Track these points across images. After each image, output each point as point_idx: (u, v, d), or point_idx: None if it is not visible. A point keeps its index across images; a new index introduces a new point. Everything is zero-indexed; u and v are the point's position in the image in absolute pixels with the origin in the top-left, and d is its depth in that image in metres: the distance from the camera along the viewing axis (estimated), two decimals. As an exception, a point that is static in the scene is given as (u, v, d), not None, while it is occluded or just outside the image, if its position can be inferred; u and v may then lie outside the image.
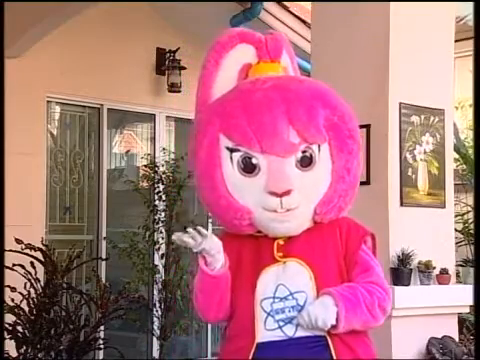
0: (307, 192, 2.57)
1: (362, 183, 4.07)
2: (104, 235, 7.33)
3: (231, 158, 2.58)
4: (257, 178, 2.55)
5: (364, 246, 2.69)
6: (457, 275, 4.38)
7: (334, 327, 2.51)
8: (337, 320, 2.50)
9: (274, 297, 2.57)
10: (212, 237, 2.53)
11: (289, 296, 2.57)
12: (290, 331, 2.54)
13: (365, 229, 2.73)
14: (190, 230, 2.50)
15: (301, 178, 2.56)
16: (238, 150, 2.57)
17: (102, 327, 5.95)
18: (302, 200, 2.56)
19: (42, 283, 5.36)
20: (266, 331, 2.55)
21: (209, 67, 2.75)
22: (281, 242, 2.61)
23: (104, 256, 7.00)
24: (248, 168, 2.56)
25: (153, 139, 7.95)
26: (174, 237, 2.52)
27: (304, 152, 2.57)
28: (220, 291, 2.60)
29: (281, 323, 2.55)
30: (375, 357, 2.69)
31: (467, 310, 4.25)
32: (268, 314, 2.56)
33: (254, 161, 2.55)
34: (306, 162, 2.57)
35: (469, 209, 5.91)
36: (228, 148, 2.58)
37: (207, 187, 2.64)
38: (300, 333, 2.54)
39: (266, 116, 2.55)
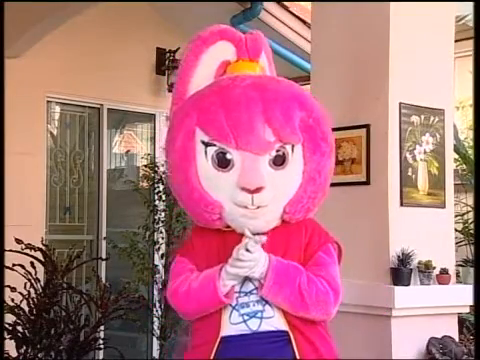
0: (278, 191, 2.61)
1: (362, 183, 4.11)
2: (104, 235, 7.34)
3: (206, 152, 2.61)
4: (230, 174, 2.59)
5: (330, 248, 2.72)
6: (457, 275, 4.38)
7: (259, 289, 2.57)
8: (262, 286, 2.56)
9: (240, 291, 2.61)
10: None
11: (254, 290, 2.62)
12: (254, 325, 2.59)
13: (329, 236, 2.77)
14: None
15: (273, 176, 2.60)
16: (213, 145, 2.60)
17: (102, 327, 5.95)
18: (273, 198, 2.60)
19: (42, 283, 5.36)
20: (231, 325, 2.60)
21: (189, 61, 2.80)
22: None
23: (104, 256, 7.00)
24: (222, 163, 2.60)
25: (153, 139, 7.95)
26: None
27: (278, 151, 2.61)
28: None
29: (246, 317, 2.60)
30: (335, 352, 2.74)
31: (467, 310, 4.25)
32: (233, 308, 2.61)
33: (228, 156, 2.59)
34: (279, 161, 2.61)
35: (469, 209, 5.91)
36: (203, 142, 2.62)
37: (180, 179, 2.68)
38: (264, 327, 2.59)
39: (243, 113, 2.58)
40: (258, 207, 2.58)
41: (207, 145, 2.61)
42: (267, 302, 2.59)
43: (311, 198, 2.67)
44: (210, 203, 2.61)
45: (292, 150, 2.63)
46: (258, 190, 2.55)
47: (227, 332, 2.59)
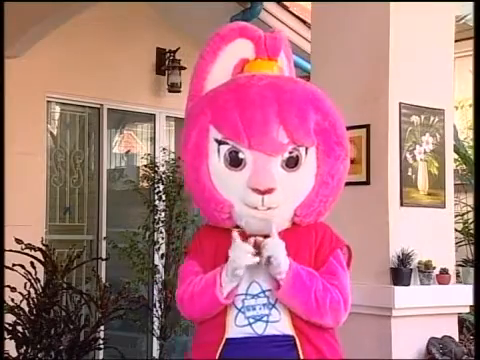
0: (289, 193, 2.59)
1: (362, 183, 4.11)
2: (104, 235, 7.33)
3: (218, 150, 2.60)
4: (242, 173, 2.57)
5: (339, 254, 2.71)
6: (457, 275, 4.38)
7: (275, 290, 2.56)
8: (279, 287, 2.54)
9: (246, 294, 2.60)
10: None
11: (261, 293, 2.60)
12: (260, 329, 2.57)
13: (340, 240, 2.75)
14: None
15: (285, 178, 2.58)
16: (226, 143, 2.59)
17: (102, 327, 5.94)
18: (283, 200, 2.58)
19: (42, 283, 5.36)
20: (236, 327, 2.59)
21: (206, 58, 2.77)
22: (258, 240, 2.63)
23: (104, 256, 6.99)
24: (234, 162, 2.58)
25: (153, 139, 7.95)
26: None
27: (291, 153, 2.59)
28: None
29: (251, 320, 2.58)
30: (341, 358, 2.72)
31: (467, 310, 4.25)
32: (239, 310, 2.59)
33: (241, 156, 2.57)
34: (292, 163, 2.59)
35: (469, 209, 5.91)
36: (217, 140, 2.60)
37: (193, 177, 2.68)
38: (269, 331, 2.57)
39: (258, 113, 2.56)
40: (268, 208, 2.56)
41: (220, 143, 2.59)
42: (274, 306, 2.58)
43: (323, 202, 2.66)
44: (220, 202, 2.60)
45: (306, 153, 2.61)
46: (269, 191, 2.53)
47: (232, 334, 2.58)
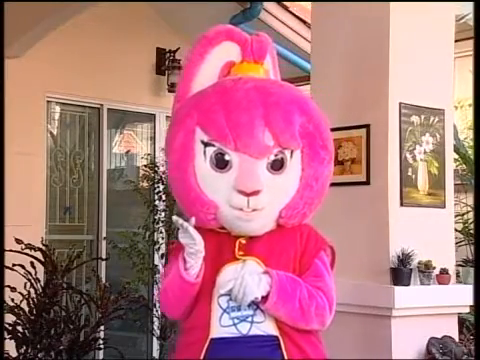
0: (275, 195, 2.61)
1: (362, 183, 4.12)
2: (104, 235, 7.34)
3: (205, 152, 2.62)
4: (228, 175, 2.59)
5: (323, 255, 2.73)
6: (457, 275, 4.38)
7: (261, 303, 2.56)
8: (265, 300, 2.55)
9: (231, 294, 2.59)
10: (194, 233, 2.57)
11: None
12: (244, 329, 2.59)
13: (325, 241, 2.77)
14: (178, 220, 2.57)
15: (270, 180, 2.60)
16: (212, 145, 2.61)
17: (102, 327, 5.95)
18: (269, 202, 2.59)
19: (42, 283, 5.36)
20: (221, 327, 2.60)
21: (193, 60, 2.80)
22: (243, 241, 2.65)
23: (104, 256, 7.00)
24: (220, 164, 2.60)
25: (153, 139, 7.96)
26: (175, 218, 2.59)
27: (276, 156, 2.61)
28: (193, 295, 2.63)
29: (236, 320, 2.59)
30: (325, 358, 2.73)
31: (467, 310, 4.25)
32: (224, 311, 2.61)
33: (227, 158, 2.59)
34: (277, 166, 2.62)
35: (469, 209, 5.91)
36: (203, 142, 2.62)
37: (178, 178, 2.69)
38: (254, 332, 2.59)
39: (244, 115, 2.58)
40: (254, 210, 2.58)
41: (206, 145, 2.61)
42: (258, 306, 2.59)
43: (307, 204, 2.68)
44: (206, 203, 2.62)
45: (291, 155, 2.63)
46: (254, 193, 2.55)
47: (217, 334, 2.59)
